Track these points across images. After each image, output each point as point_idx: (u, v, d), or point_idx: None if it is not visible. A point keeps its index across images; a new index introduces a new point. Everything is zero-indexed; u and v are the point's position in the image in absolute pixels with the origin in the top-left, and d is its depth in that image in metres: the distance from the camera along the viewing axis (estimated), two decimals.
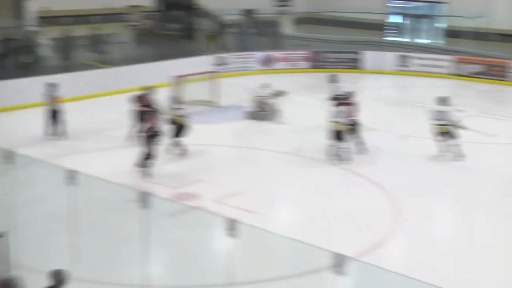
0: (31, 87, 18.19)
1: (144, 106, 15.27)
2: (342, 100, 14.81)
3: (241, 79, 22.61)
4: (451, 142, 14.45)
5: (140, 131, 13.27)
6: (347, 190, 13.00)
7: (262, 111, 17.56)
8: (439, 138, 14.63)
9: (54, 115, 15.18)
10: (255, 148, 15.23)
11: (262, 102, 17.48)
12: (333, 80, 17.00)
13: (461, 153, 14.43)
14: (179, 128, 14.33)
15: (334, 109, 14.32)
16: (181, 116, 14.44)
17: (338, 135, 14.11)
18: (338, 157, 14.15)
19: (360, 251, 9.55)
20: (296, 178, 13.35)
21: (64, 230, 8.17)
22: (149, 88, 15.84)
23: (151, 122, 13.16)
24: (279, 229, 9.09)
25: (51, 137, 15.10)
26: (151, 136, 12.97)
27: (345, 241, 10.09)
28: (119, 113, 17.64)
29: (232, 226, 6.38)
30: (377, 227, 10.81)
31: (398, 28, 29.05)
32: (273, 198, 12.24)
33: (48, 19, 20.96)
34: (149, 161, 12.89)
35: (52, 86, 15.32)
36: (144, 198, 7.04)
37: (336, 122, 14.11)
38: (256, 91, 17.55)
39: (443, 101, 14.88)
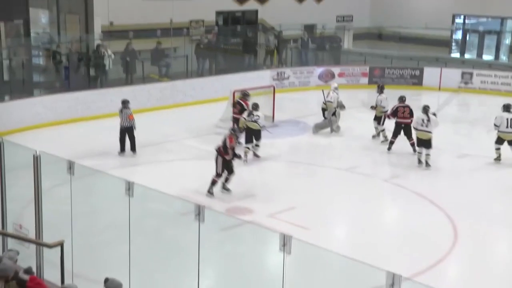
0: (94, 99, 18.72)
1: (238, 113, 15.57)
2: (403, 106, 15.53)
3: (300, 94, 22.66)
4: None
5: (219, 149, 12.69)
6: (403, 208, 12.84)
7: (326, 118, 17.43)
8: (499, 146, 14.75)
9: (128, 132, 15.10)
10: (310, 164, 15.20)
11: (329, 106, 17.34)
12: (379, 90, 16.92)
13: None
14: (253, 134, 14.61)
15: (420, 116, 14.54)
16: (254, 122, 14.81)
17: (424, 143, 14.41)
18: (425, 164, 14.50)
19: (415, 270, 9.41)
20: (351, 194, 13.24)
21: (120, 241, 8.34)
22: (246, 94, 16.09)
23: (231, 141, 12.62)
24: (332, 246, 9.04)
25: (124, 153, 15.09)
26: (230, 157, 12.56)
27: (400, 260, 9.97)
28: (177, 126, 17.99)
29: (285, 242, 6.38)
30: (433, 247, 10.63)
31: (462, 45, 28.54)
32: (327, 215, 12.17)
33: (112, 33, 21.52)
34: (217, 180, 12.64)
35: (126, 102, 15.21)
36: (199, 212, 7.12)
37: (422, 131, 14.42)
38: (328, 94, 17.38)
39: (508, 107, 14.80)
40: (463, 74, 23.93)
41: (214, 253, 9.26)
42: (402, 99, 15.75)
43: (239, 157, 12.88)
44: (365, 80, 24.24)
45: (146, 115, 18.61)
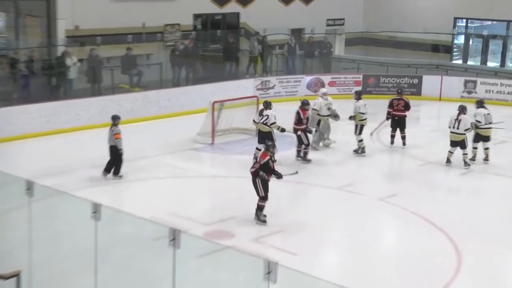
0: (58, 111, 18.60)
1: (297, 124, 16.01)
2: (397, 98, 17.17)
3: (287, 105, 22.65)
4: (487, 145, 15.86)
5: (255, 167, 12.45)
6: (400, 230, 12.87)
7: (316, 130, 17.36)
8: (477, 145, 15.87)
9: (113, 152, 14.66)
10: (299, 182, 15.17)
11: (313, 114, 17.31)
12: (356, 97, 17.20)
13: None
14: (264, 137, 14.84)
15: (453, 116, 15.41)
16: (264, 124, 15.46)
17: (458, 144, 15.35)
18: (464, 164, 15.47)
19: None
20: (344, 216, 13.24)
21: (86, 269, 8.27)
22: (304, 103, 16.30)
23: (263, 157, 12.42)
24: (323, 274, 9.01)
25: (107, 174, 14.69)
26: (266, 173, 12.31)
27: (396, 287, 9.97)
28: (151, 141, 17.89)
29: (270, 269, 6.36)
30: (434, 273, 10.63)
31: (465, 50, 28.79)
32: (317, 238, 12.12)
33: (77, 38, 21.47)
34: (263, 204, 12.41)
35: (115, 119, 14.84)
36: (174, 236, 7.09)
37: (453, 133, 15.36)
38: (317, 104, 17.37)
39: (482, 103, 16.03)
40: (466, 82, 24.15)
41: (191, 282, 9.17)
42: (398, 91, 17.62)
43: (275, 174, 12.46)
44: (358, 89, 24.26)
45: None
